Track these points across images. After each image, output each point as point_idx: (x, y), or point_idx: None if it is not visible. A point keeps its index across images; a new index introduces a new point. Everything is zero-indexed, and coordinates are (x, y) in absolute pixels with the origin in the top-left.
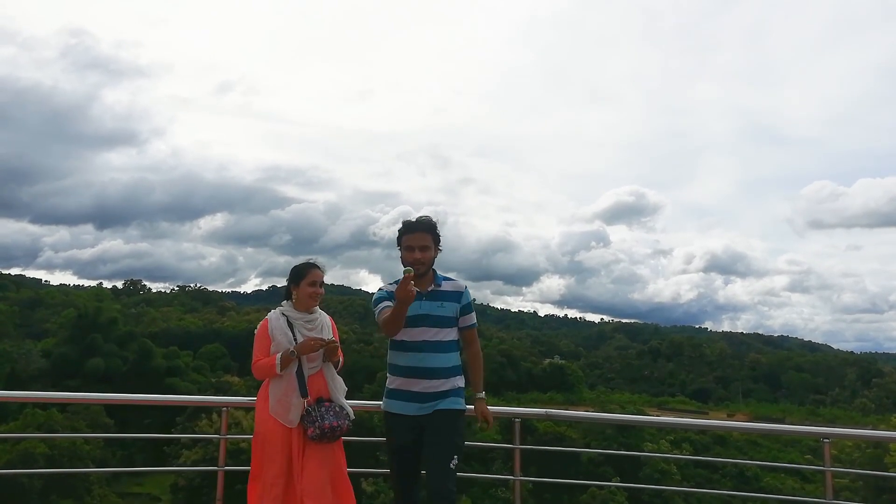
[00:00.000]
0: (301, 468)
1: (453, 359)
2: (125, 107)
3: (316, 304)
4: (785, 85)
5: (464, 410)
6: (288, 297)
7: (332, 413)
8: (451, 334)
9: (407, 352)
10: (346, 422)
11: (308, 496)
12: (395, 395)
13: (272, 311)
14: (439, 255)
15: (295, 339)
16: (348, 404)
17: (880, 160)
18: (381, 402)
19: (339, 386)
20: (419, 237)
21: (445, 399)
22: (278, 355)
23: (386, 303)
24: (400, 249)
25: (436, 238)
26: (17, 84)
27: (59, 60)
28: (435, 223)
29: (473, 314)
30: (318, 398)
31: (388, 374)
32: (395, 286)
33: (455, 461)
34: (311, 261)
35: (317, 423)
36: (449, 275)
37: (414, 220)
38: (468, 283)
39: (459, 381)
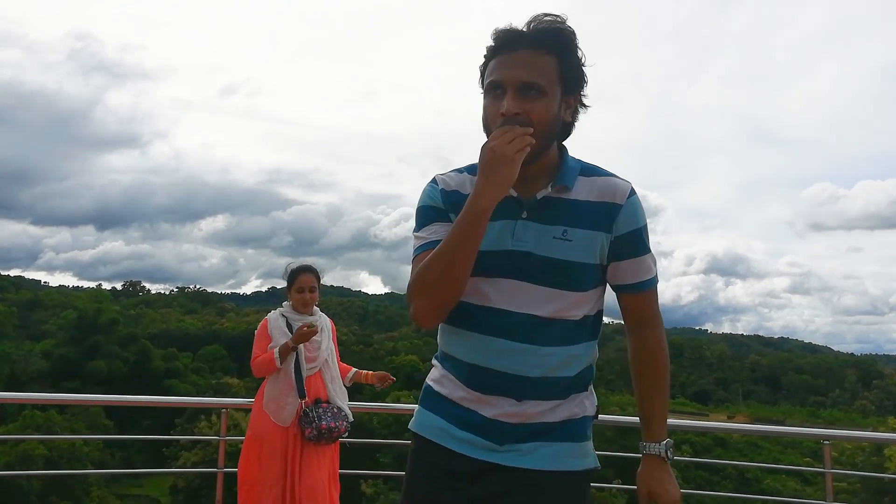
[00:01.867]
0: (299, 470)
1: (579, 357)
2: (128, 109)
3: (307, 310)
4: (785, 87)
5: (590, 472)
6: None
7: (329, 414)
8: (583, 304)
9: (476, 332)
10: (345, 423)
11: (306, 498)
12: (444, 407)
13: (272, 311)
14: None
15: None
16: (347, 406)
17: (880, 162)
18: (380, 404)
19: (338, 388)
20: (525, 59)
21: (550, 445)
22: (276, 349)
23: (435, 227)
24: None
25: (567, 71)
26: (22, 87)
27: (65, 64)
28: (567, 34)
29: (649, 257)
30: (316, 399)
31: (434, 362)
32: (464, 174)
33: None
34: (302, 265)
35: (314, 424)
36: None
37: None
38: None
39: (585, 402)
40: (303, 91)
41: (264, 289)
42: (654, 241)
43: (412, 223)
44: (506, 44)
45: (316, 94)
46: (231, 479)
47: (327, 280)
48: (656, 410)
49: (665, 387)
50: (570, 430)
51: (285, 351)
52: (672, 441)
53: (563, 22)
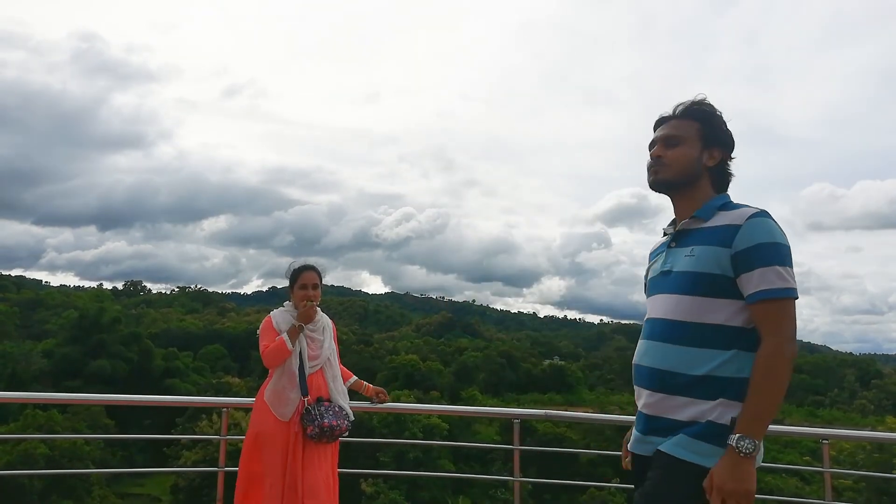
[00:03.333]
0: (301, 467)
1: (710, 360)
2: (133, 110)
3: (311, 308)
4: (782, 87)
5: (698, 468)
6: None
7: (331, 412)
8: (709, 310)
9: (641, 339)
10: (346, 422)
11: (308, 496)
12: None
13: (274, 310)
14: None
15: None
16: (348, 405)
17: (879, 162)
18: (380, 404)
19: (339, 387)
20: (672, 123)
21: (675, 436)
22: (284, 334)
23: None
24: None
25: (707, 131)
26: (27, 88)
27: (70, 64)
28: (707, 107)
29: (772, 270)
30: (318, 397)
31: None
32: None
33: None
34: (305, 263)
35: (316, 422)
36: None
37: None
38: (468, 284)
39: (720, 408)
40: (306, 92)
41: (265, 288)
42: (654, 240)
43: (413, 223)
44: (660, 120)
45: (319, 95)
46: (232, 478)
47: (328, 280)
48: (743, 409)
49: (760, 392)
50: (696, 430)
51: (294, 332)
52: (747, 437)
53: (704, 101)
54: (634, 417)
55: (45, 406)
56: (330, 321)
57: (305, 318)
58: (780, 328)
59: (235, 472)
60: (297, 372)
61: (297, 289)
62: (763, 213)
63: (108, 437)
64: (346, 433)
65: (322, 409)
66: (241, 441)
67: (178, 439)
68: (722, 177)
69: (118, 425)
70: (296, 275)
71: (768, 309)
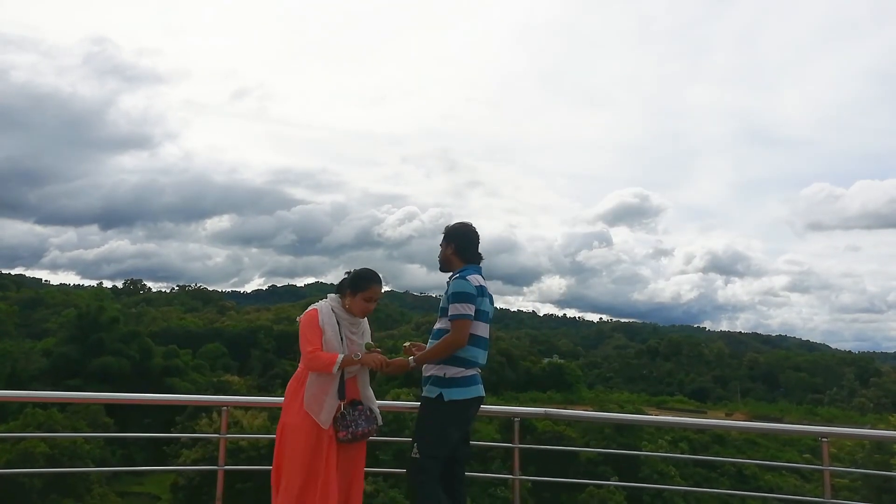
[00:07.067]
0: (328, 469)
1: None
2: (140, 112)
3: (363, 316)
4: (781, 87)
5: (429, 399)
6: (339, 292)
7: (363, 418)
8: (444, 325)
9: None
10: (374, 426)
11: (331, 497)
12: None
13: (321, 302)
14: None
15: (342, 339)
16: (377, 407)
17: (878, 162)
18: (381, 402)
19: (369, 393)
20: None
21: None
22: (340, 356)
23: None
24: None
25: (447, 238)
26: (37, 90)
27: (80, 67)
28: (446, 229)
29: (453, 307)
30: (352, 400)
31: None
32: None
33: (414, 449)
34: (376, 273)
35: (350, 429)
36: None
37: None
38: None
39: (430, 370)
40: (312, 94)
41: (265, 287)
42: (655, 239)
43: (416, 222)
44: None
45: (325, 97)
46: (231, 477)
47: (328, 278)
48: (422, 354)
49: (432, 350)
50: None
51: (348, 364)
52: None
53: (451, 224)
54: (632, 415)
55: (44, 405)
56: (367, 324)
57: (368, 362)
58: (453, 331)
59: (235, 471)
60: (336, 376)
61: (363, 299)
62: (458, 276)
63: (107, 436)
64: (374, 435)
65: (356, 413)
66: (241, 440)
67: (178, 438)
68: (463, 255)
69: (118, 424)
70: (365, 283)
71: (453, 323)
